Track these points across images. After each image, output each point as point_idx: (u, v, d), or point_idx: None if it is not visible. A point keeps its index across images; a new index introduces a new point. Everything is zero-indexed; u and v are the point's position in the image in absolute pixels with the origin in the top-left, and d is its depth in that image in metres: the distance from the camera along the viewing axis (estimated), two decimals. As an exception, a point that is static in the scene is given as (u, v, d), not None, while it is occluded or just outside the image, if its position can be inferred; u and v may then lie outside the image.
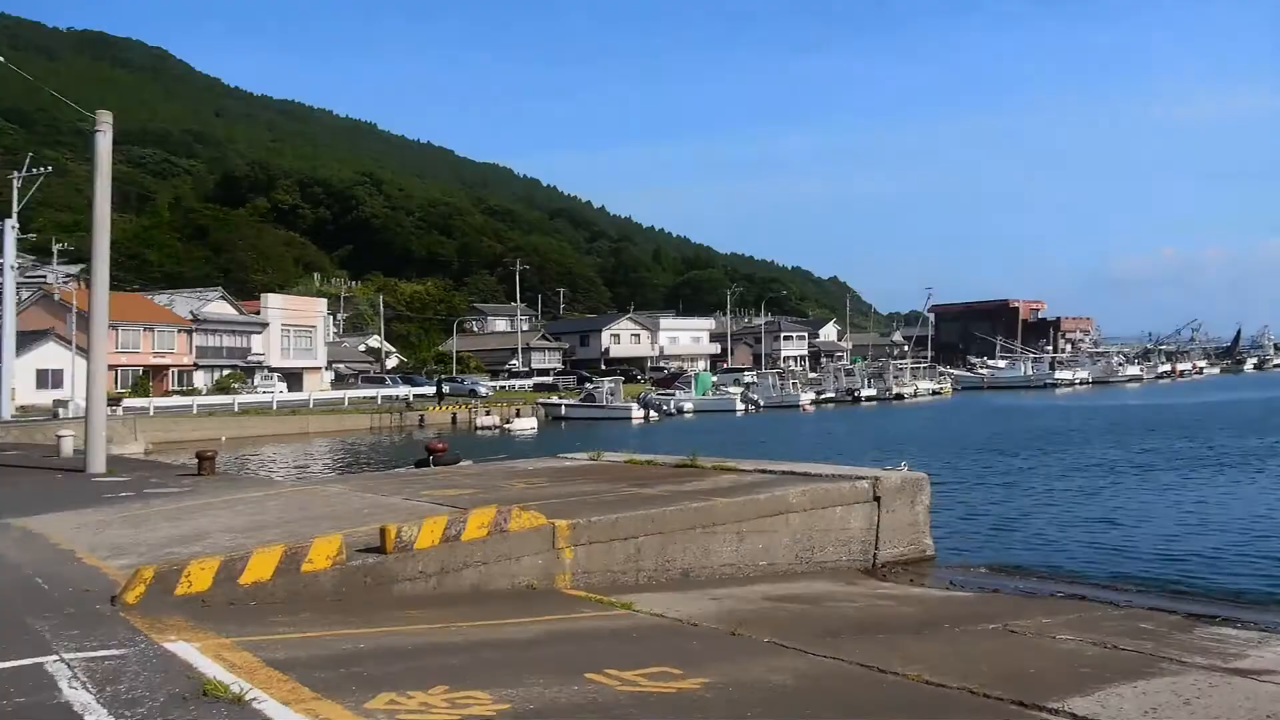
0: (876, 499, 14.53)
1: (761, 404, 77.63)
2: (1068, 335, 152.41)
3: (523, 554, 11.15)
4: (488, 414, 65.91)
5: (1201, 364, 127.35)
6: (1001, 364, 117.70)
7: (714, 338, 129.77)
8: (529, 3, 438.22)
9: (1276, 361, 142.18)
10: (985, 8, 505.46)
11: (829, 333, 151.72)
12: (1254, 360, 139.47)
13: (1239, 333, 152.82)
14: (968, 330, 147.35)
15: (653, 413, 68.35)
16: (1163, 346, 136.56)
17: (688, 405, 75.63)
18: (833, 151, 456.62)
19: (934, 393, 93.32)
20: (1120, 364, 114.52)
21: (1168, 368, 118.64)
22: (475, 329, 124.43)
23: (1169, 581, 14.47)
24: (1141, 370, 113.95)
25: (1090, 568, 15.64)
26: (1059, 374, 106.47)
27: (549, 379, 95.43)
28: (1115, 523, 19.84)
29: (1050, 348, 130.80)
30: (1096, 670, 8.50)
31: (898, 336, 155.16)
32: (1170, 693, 7.92)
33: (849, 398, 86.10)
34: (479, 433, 60.07)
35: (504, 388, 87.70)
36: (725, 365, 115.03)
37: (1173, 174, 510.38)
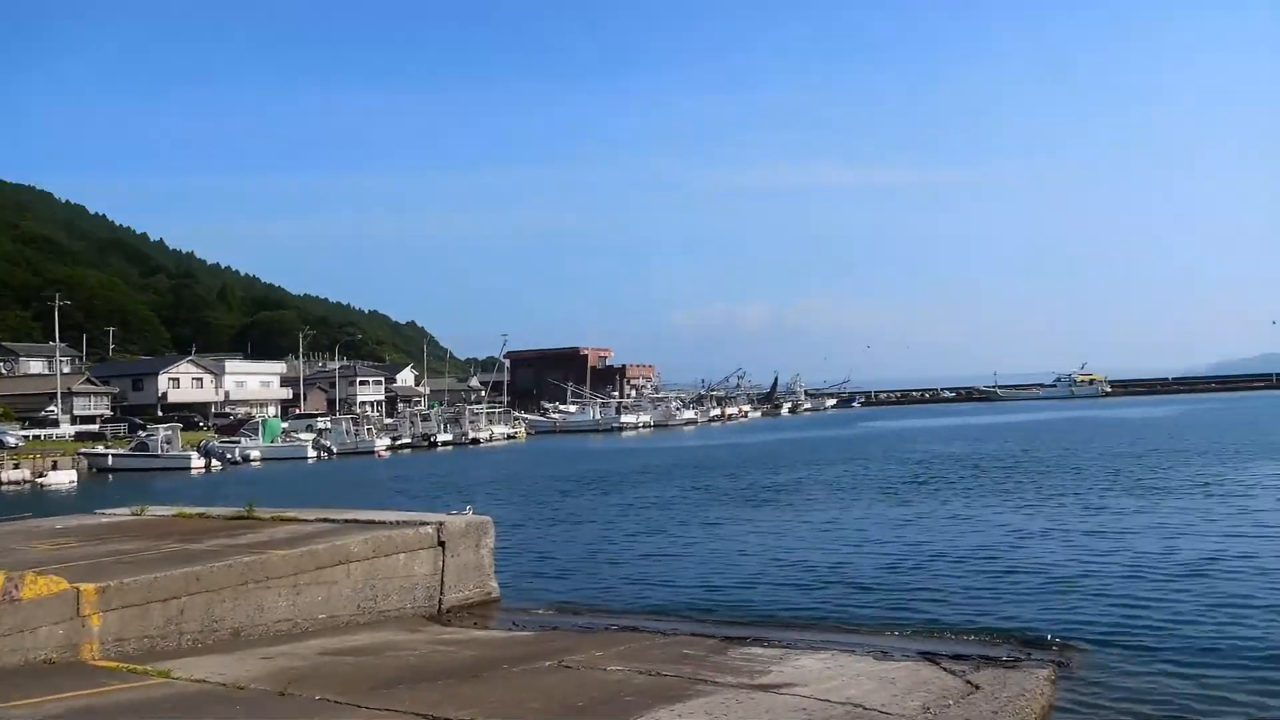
0: (441, 544, 14.48)
1: (335, 451, 75.43)
2: (632, 381, 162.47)
3: (40, 624, 9.88)
4: (16, 467, 58.33)
5: (746, 408, 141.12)
6: (572, 409, 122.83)
7: (286, 382, 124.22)
8: (71, 11, 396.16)
9: (807, 405, 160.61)
10: (566, 74, 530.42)
11: (406, 378, 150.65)
12: (789, 404, 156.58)
13: (776, 380, 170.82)
14: (541, 376, 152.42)
15: (215, 462, 64.11)
16: (714, 392, 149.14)
17: (255, 453, 71.77)
18: (410, 193, 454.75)
19: (509, 437, 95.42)
20: (678, 408, 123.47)
21: (718, 411, 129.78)
22: (4, 371, 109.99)
23: (712, 608, 15.64)
24: (696, 414, 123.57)
25: (644, 600, 16.54)
26: (624, 418, 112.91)
27: (95, 427, 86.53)
28: (669, 555, 21.19)
29: (617, 393, 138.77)
30: (640, 697, 8.96)
31: (475, 382, 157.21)
32: (703, 712, 8.52)
33: (425, 443, 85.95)
34: (5, 489, 53.00)
35: (39, 437, 78.08)
36: (298, 411, 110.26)
37: (726, 239, 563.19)
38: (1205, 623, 12.94)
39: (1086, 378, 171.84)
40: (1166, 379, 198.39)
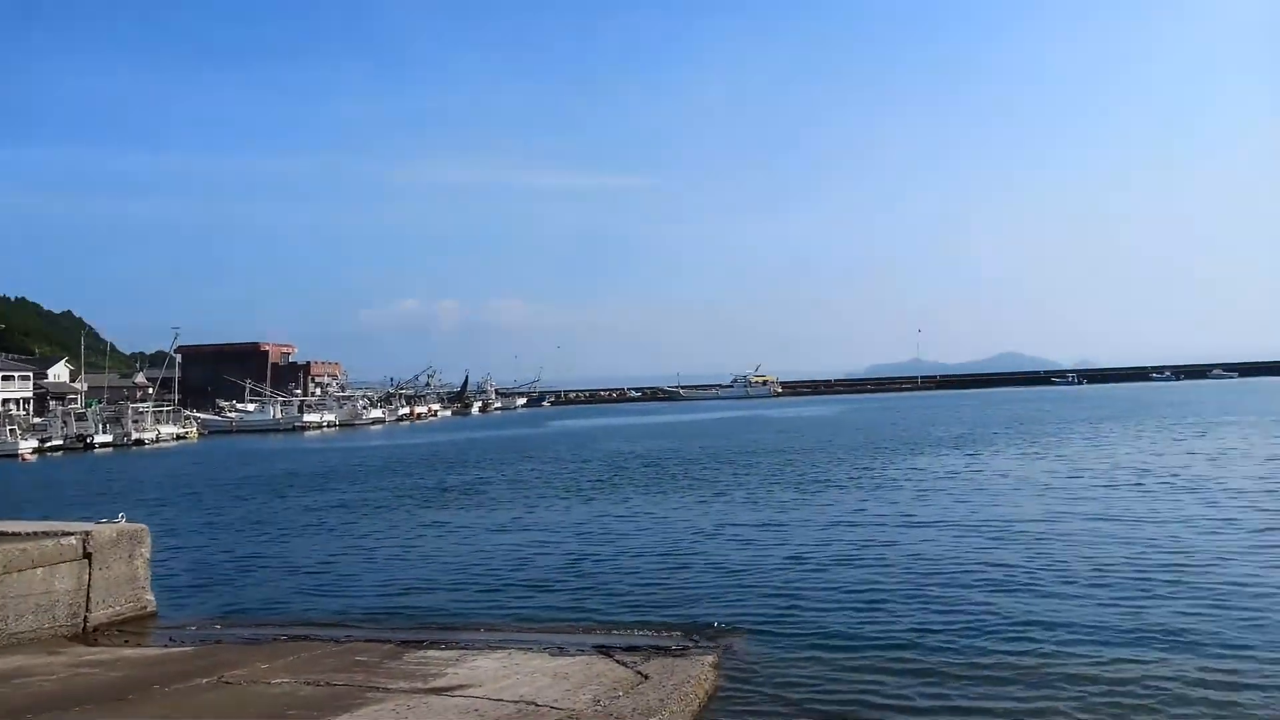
0: (87, 555, 13.23)
1: (-31, 454, 67.74)
2: (317, 379, 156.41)
3: None
4: None
5: (436, 407, 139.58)
6: (251, 407, 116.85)
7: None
8: None
9: (498, 404, 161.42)
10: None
11: (60, 373, 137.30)
12: (480, 403, 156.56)
13: (466, 378, 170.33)
14: (218, 373, 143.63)
15: None
16: (403, 391, 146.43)
17: None
18: (72, 170, 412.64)
19: (179, 437, 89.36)
20: (365, 407, 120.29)
21: (407, 410, 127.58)
22: None
23: (391, 612, 15.28)
24: (384, 413, 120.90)
25: (319, 608, 15.90)
26: (308, 417, 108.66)
27: None
28: (347, 560, 20.48)
29: (300, 391, 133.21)
30: (305, 710, 8.59)
31: (141, 378, 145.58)
32: (371, 721, 8.29)
33: (80, 445, 78.89)
34: None
35: None
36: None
37: (417, 236, 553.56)
38: (853, 608, 14.06)
39: (760, 378, 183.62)
40: (830, 380, 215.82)
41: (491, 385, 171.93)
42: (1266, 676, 10.17)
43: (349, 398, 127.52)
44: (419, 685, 9.73)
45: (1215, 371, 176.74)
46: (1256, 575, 14.90)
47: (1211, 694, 9.71)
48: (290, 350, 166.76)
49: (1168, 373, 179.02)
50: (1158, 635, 11.81)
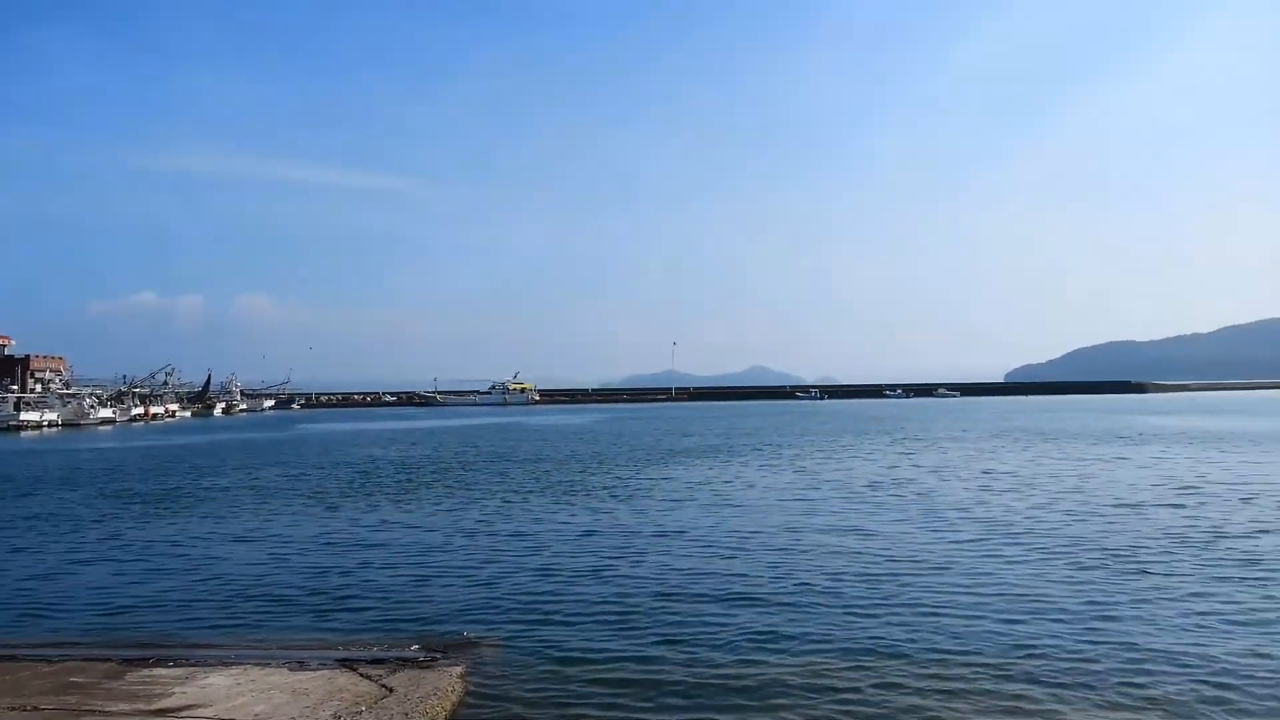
0: None
1: None
2: (38, 375, 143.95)
3: None
4: None
5: (175, 407, 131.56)
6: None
7: None
8: None
9: (243, 406, 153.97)
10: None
11: None
12: (223, 404, 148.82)
13: (209, 378, 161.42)
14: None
15: None
16: (138, 389, 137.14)
17: None
18: None
19: None
20: (93, 406, 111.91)
21: (141, 410, 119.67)
22: None
23: (112, 630, 14.26)
24: (115, 413, 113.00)
25: (29, 626, 14.67)
26: (25, 415, 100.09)
27: None
28: (65, 574, 19.00)
29: (16, 387, 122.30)
30: (7, 740, 7.86)
31: None
32: (84, 750, 7.68)
33: None
34: None
35: None
36: None
37: (152, 225, 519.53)
38: (601, 619, 14.26)
39: (518, 386, 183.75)
40: (588, 389, 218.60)
41: (237, 385, 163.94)
42: (970, 682, 11.04)
43: (74, 395, 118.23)
44: (142, 707, 9.13)
45: (940, 390, 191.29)
46: (968, 584, 16.18)
47: (931, 703, 10.44)
48: (6, 342, 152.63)
49: (899, 390, 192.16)
50: (885, 643, 12.61)
